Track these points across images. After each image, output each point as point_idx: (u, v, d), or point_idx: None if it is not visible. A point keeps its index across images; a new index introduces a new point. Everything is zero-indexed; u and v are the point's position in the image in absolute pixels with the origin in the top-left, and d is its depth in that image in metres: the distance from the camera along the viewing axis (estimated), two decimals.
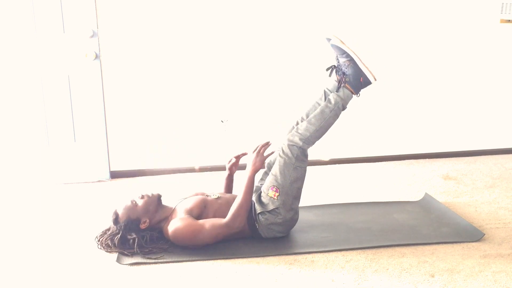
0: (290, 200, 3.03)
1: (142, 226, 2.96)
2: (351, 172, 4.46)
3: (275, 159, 3.20)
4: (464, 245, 2.98)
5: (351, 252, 2.93)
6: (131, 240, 2.91)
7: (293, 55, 4.53)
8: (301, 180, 3.07)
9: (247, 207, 2.96)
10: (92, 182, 4.42)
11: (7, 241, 3.22)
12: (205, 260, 2.87)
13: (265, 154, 3.11)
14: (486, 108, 4.83)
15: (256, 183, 3.27)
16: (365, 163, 4.69)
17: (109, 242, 2.94)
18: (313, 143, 3.10)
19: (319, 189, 4.02)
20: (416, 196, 3.81)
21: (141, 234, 2.95)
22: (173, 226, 2.91)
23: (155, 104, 4.48)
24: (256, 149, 3.07)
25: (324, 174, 4.41)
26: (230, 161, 3.36)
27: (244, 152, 3.32)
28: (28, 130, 4.32)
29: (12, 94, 4.26)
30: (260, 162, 3.03)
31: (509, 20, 4.66)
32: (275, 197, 3.01)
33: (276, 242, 3.05)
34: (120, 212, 2.96)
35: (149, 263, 2.85)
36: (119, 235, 2.92)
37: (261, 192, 3.10)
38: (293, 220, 3.09)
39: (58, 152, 4.39)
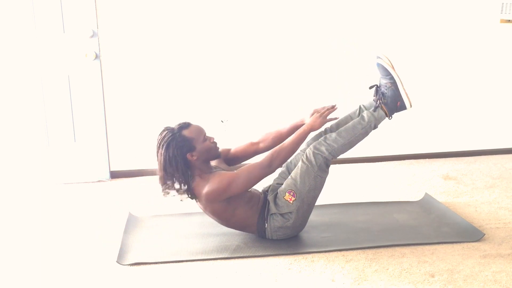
0: (304, 207, 3.03)
1: (189, 157, 2.89)
2: (351, 172, 4.46)
3: (296, 161, 3.18)
4: (464, 245, 2.98)
5: (351, 252, 2.93)
6: (174, 159, 2.84)
7: (293, 55, 4.53)
8: (318, 190, 3.06)
9: (289, 155, 2.99)
10: (92, 182, 4.42)
11: (8, 241, 3.22)
12: (205, 260, 2.87)
13: (328, 117, 3.13)
14: (486, 108, 4.83)
15: (271, 181, 3.25)
16: (365, 163, 4.69)
17: (161, 144, 2.87)
18: (338, 155, 3.11)
19: None
20: (416, 196, 3.81)
21: (183, 160, 2.87)
22: (208, 187, 2.88)
23: (155, 104, 4.48)
24: (321, 110, 3.12)
25: None
26: (312, 114, 3.21)
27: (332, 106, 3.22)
28: (28, 130, 4.32)
29: (12, 94, 4.26)
30: (320, 124, 3.08)
31: (509, 20, 4.66)
32: (291, 201, 3.00)
33: (276, 242, 3.05)
34: (190, 126, 2.92)
35: (149, 263, 2.85)
36: (169, 140, 2.84)
37: (277, 193, 3.08)
38: (301, 226, 3.10)
39: (58, 152, 4.39)
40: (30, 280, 2.73)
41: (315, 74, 4.51)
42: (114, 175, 4.49)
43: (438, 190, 3.93)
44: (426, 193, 3.76)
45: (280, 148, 2.98)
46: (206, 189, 2.89)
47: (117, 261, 2.87)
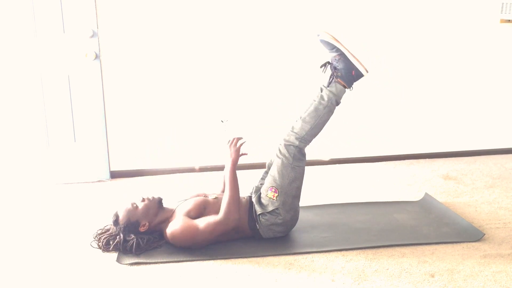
0: (289, 200, 3.03)
1: (142, 229, 2.97)
2: (351, 172, 4.46)
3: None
4: (464, 245, 2.98)
5: (351, 252, 2.93)
6: (130, 242, 2.92)
7: (293, 55, 4.53)
8: (299, 180, 3.07)
9: (237, 200, 2.97)
10: (92, 182, 4.42)
11: (8, 241, 3.22)
12: (205, 260, 2.87)
13: (238, 144, 3.13)
14: (486, 108, 4.83)
15: (256, 183, 3.27)
16: (365, 163, 4.69)
17: (107, 242, 2.95)
18: (310, 141, 3.10)
19: (319, 189, 4.02)
20: (416, 196, 3.81)
21: (140, 236, 2.95)
22: (171, 229, 2.92)
23: (155, 104, 4.48)
24: (229, 143, 3.13)
25: (324, 174, 4.41)
26: None
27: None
28: (28, 130, 4.32)
29: (12, 94, 4.26)
30: (236, 153, 3.08)
31: (509, 20, 4.66)
32: (274, 198, 3.01)
33: (276, 242, 3.05)
34: (120, 214, 2.96)
35: (149, 263, 2.85)
36: (119, 237, 2.93)
37: (260, 193, 3.10)
38: (293, 220, 3.09)
39: (58, 152, 4.39)
40: (30, 280, 2.73)
41: (315, 74, 4.51)
42: (114, 175, 4.49)
43: (438, 190, 3.93)
44: (426, 193, 3.76)
45: (226, 202, 2.96)
46: (168, 232, 2.93)
47: (116, 261, 2.87)
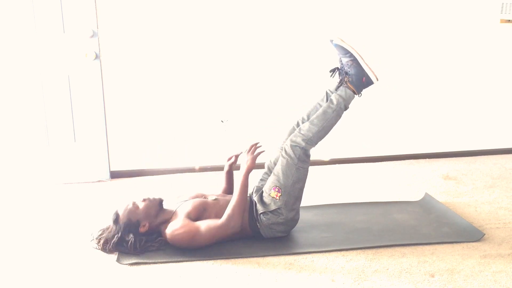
0: (292, 201, 3.04)
1: (142, 230, 2.96)
2: (351, 172, 4.46)
3: (276, 159, 3.21)
4: (464, 245, 2.98)
5: (351, 252, 2.93)
6: (129, 242, 2.91)
7: (293, 55, 4.53)
8: (303, 181, 3.08)
9: (242, 207, 2.96)
10: (92, 182, 4.42)
11: (8, 241, 3.22)
12: (205, 260, 2.87)
13: (255, 153, 3.11)
14: (486, 108, 4.83)
15: (256, 183, 3.27)
16: (365, 163, 4.69)
17: (106, 241, 2.94)
18: (316, 143, 3.11)
19: (319, 189, 4.02)
20: (416, 196, 3.81)
21: (139, 237, 2.95)
22: (171, 229, 2.91)
23: (155, 104, 4.48)
24: (247, 149, 3.10)
25: (324, 174, 4.41)
26: (230, 159, 3.37)
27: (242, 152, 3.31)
28: (28, 130, 4.32)
29: (12, 94, 4.26)
30: (252, 161, 3.04)
31: (509, 20, 4.66)
32: (277, 197, 3.01)
33: (276, 242, 3.05)
34: (121, 213, 2.96)
35: (149, 263, 2.85)
36: (118, 236, 2.92)
37: (262, 192, 3.10)
38: (295, 220, 3.10)
39: (58, 152, 4.39)
40: (30, 280, 2.72)
41: (315, 74, 4.51)
42: (114, 175, 4.49)
43: (438, 190, 3.93)
44: (426, 193, 3.76)
45: (232, 206, 2.94)
46: (168, 233, 2.92)
47: (116, 261, 2.87)
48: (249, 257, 2.90)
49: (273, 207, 3.02)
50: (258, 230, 3.05)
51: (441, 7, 4.60)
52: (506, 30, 4.71)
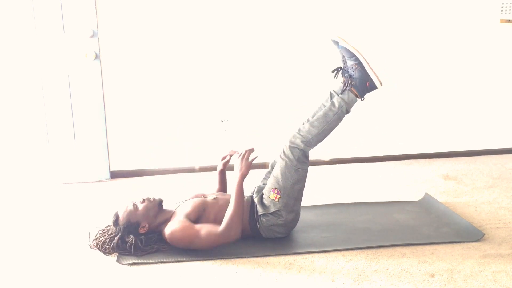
0: (291, 202, 3.03)
1: (141, 230, 2.96)
2: (351, 172, 4.46)
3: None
4: (464, 245, 2.98)
5: (351, 252, 2.93)
6: (129, 243, 2.91)
7: (293, 55, 4.53)
8: (302, 182, 3.07)
9: (240, 215, 2.94)
10: (92, 182, 4.42)
11: (8, 241, 3.22)
12: (205, 260, 2.87)
13: (250, 159, 3.07)
14: (486, 108, 4.83)
15: (259, 183, 3.27)
16: (365, 163, 4.69)
17: (107, 242, 2.94)
18: (315, 145, 3.09)
19: (319, 189, 4.02)
20: (416, 196, 3.81)
21: (139, 238, 2.95)
22: (170, 229, 2.91)
23: (155, 104, 4.48)
24: (241, 155, 3.06)
25: (324, 174, 4.41)
26: (224, 158, 3.37)
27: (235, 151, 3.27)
28: (28, 130, 4.32)
29: (12, 94, 4.26)
30: (246, 168, 3.01)
31: (509, 20, 4.66)
32: (277, 200, 3.01)
33: (276, 242, 3.05)
34: (120, 215, 2.95)
35: (149, 263, 2.85)
36: (118, 237, 2.92)
37: (263, 193, 3.10)
38: (294, 221, 3.09)
39: (58, 152, 4.39)
40: (30, 280, 2.72)
41: (315, 75, 4.51)
42: (114, 175, 4.49)
43: (438, 190, 3.93)
44: (426, 193, 3.76)
45: (230, 216, 2.90)
46: (167, 232, 2.91)
47: (116, 261, 2.87)
48: (249, 257, 2.90)
49: (272, 209, 3.01)
50: (258, 231, 3.05)
51: (441, 7, 4.60)
52: (506, 30, 4.71)
